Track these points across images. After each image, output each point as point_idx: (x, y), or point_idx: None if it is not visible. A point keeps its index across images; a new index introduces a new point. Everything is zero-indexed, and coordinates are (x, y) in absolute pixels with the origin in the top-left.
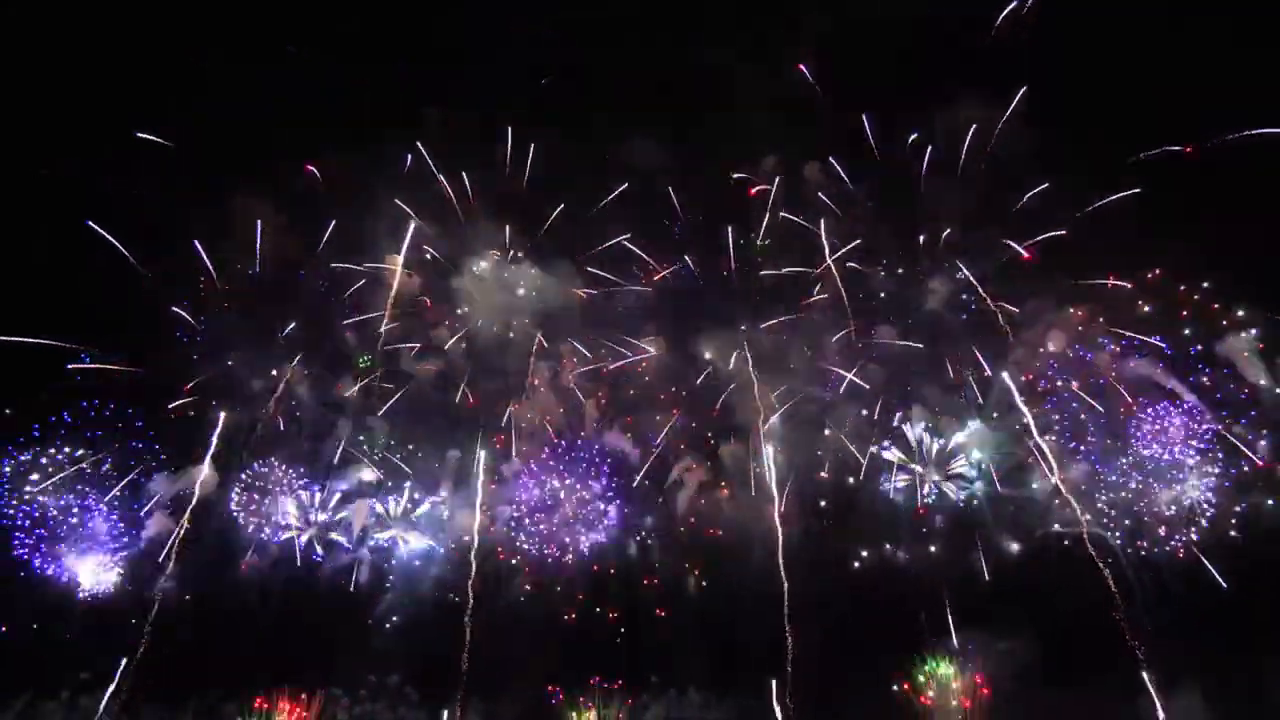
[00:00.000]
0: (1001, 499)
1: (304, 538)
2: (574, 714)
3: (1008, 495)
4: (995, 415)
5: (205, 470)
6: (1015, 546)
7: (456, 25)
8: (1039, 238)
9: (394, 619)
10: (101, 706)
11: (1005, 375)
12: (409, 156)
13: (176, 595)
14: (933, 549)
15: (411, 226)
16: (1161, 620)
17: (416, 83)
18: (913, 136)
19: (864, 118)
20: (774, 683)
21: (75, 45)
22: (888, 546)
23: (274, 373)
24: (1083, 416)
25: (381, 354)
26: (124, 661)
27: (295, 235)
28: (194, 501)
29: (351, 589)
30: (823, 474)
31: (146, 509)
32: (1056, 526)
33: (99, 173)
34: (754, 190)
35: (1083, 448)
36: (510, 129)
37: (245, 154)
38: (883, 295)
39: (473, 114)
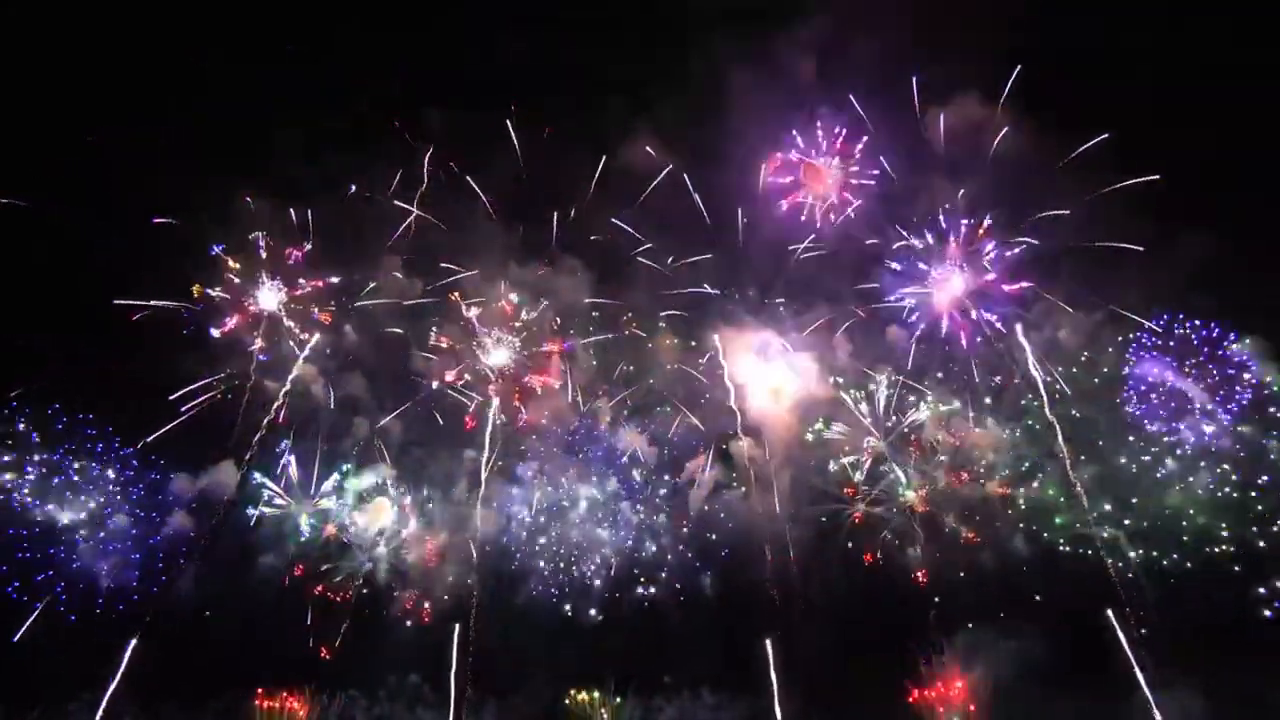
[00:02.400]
0: (1012, 498)
1: (322, 536)
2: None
3: (1018, 496)
4: (1008, 415)
5: (225, 470)
6: (1024, 546)
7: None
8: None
9: (411, 618)
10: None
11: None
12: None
13: (195, 594)
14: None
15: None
16: (1165, 620)
17: (416, 83)
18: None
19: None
20: (779, 683)
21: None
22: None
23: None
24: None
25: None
26: (143, 662)
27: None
28: (218, 501)
29: (367, 589)
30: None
31: (166, 508)
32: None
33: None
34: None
35: (1083, 456)
36: (513, 128)
37: (245, 153)
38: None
39: (475, 114)
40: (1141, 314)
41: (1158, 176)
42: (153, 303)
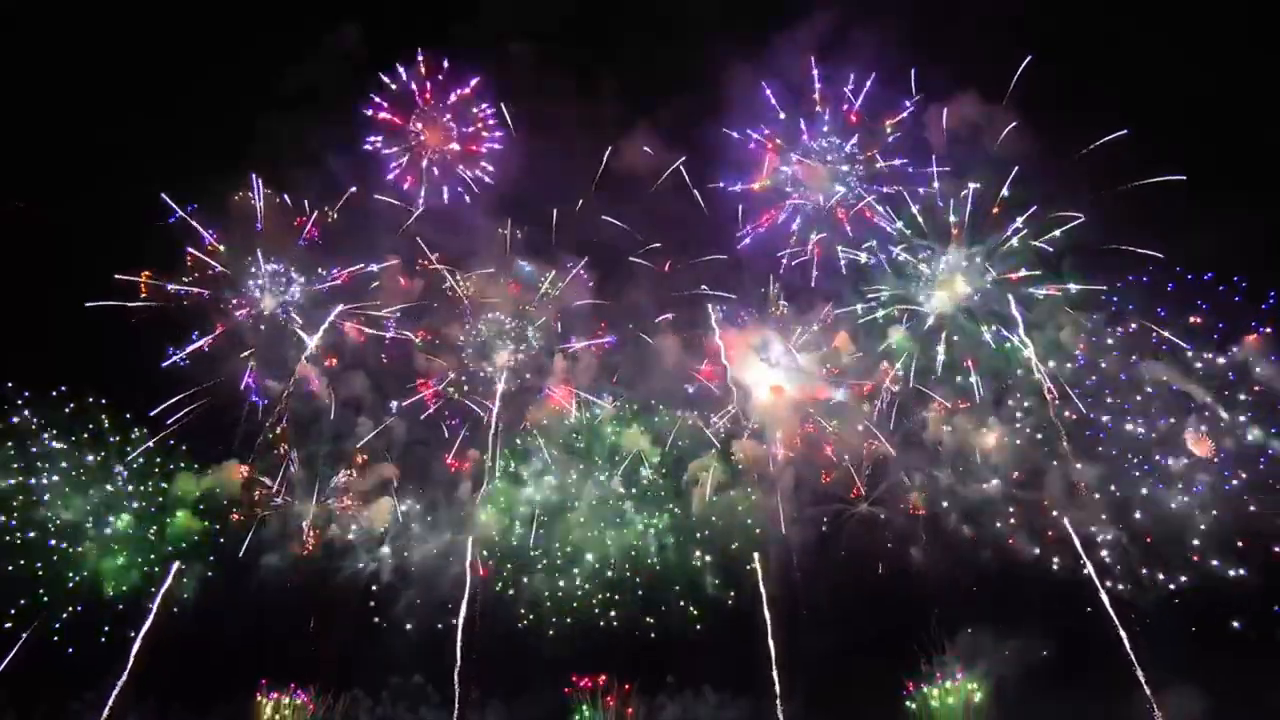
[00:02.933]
0: (1015, 500)
1: (326, 537)
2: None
3: (1021, 497)
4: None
5: (227, 470)
6: (1026, 548)
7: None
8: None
9: (414, 619)
10: None
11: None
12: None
13: (198, 595)
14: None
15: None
16: (1167, 621)
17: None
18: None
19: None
20: (781, 683)
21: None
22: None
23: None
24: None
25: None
26: (150, 662)
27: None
28: (221, 501)
29: (373, 588)
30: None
31: (169, 508)
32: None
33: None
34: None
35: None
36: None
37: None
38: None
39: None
40: (1148, 314)
41: (1183, 177)
42: (131, 304)
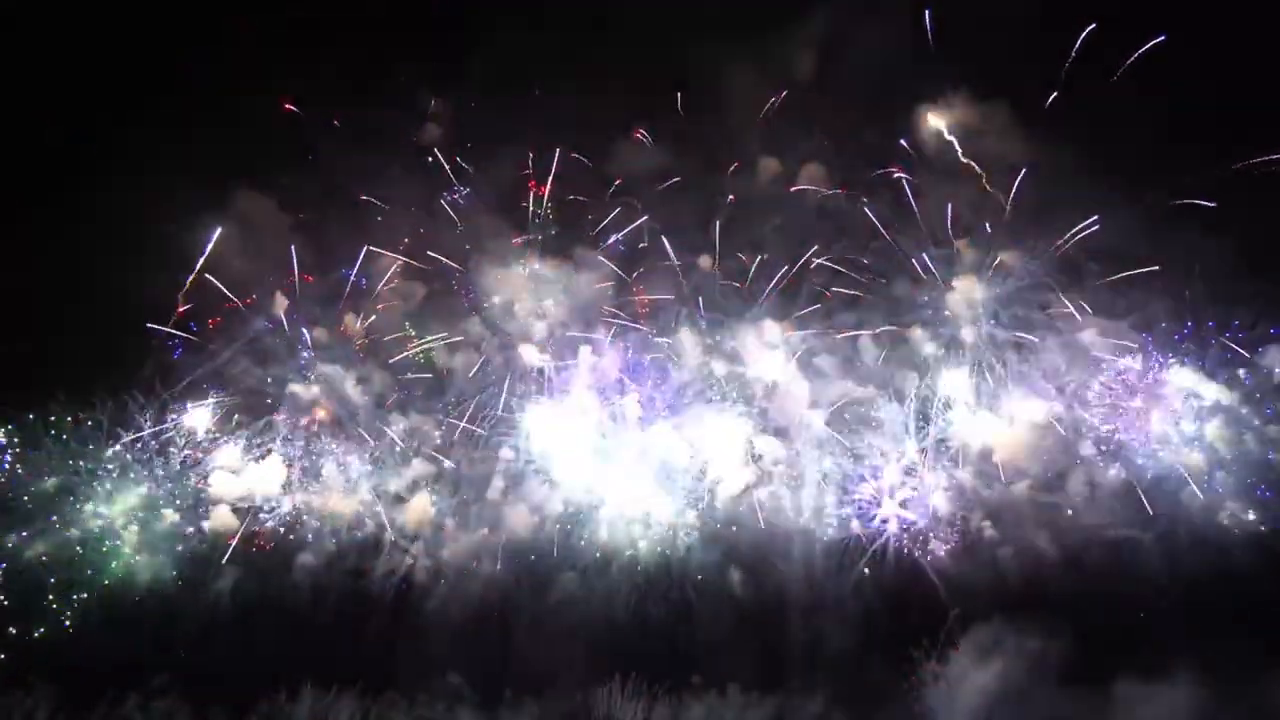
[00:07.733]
0: (1036, 500)
1: (361, 536)
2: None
3: (1042, 497)
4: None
5: (265, 468)
6: (1048, 546)
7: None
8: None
9: (448, 618)
10: None
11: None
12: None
13: (235, 594)
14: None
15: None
16: (1187, 622)
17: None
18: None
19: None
20: (805, 682)
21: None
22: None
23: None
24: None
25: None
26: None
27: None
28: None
29: (406, 588)
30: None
31: (205, 508)
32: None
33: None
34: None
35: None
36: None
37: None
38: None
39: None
40: (1170, 318)
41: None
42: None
